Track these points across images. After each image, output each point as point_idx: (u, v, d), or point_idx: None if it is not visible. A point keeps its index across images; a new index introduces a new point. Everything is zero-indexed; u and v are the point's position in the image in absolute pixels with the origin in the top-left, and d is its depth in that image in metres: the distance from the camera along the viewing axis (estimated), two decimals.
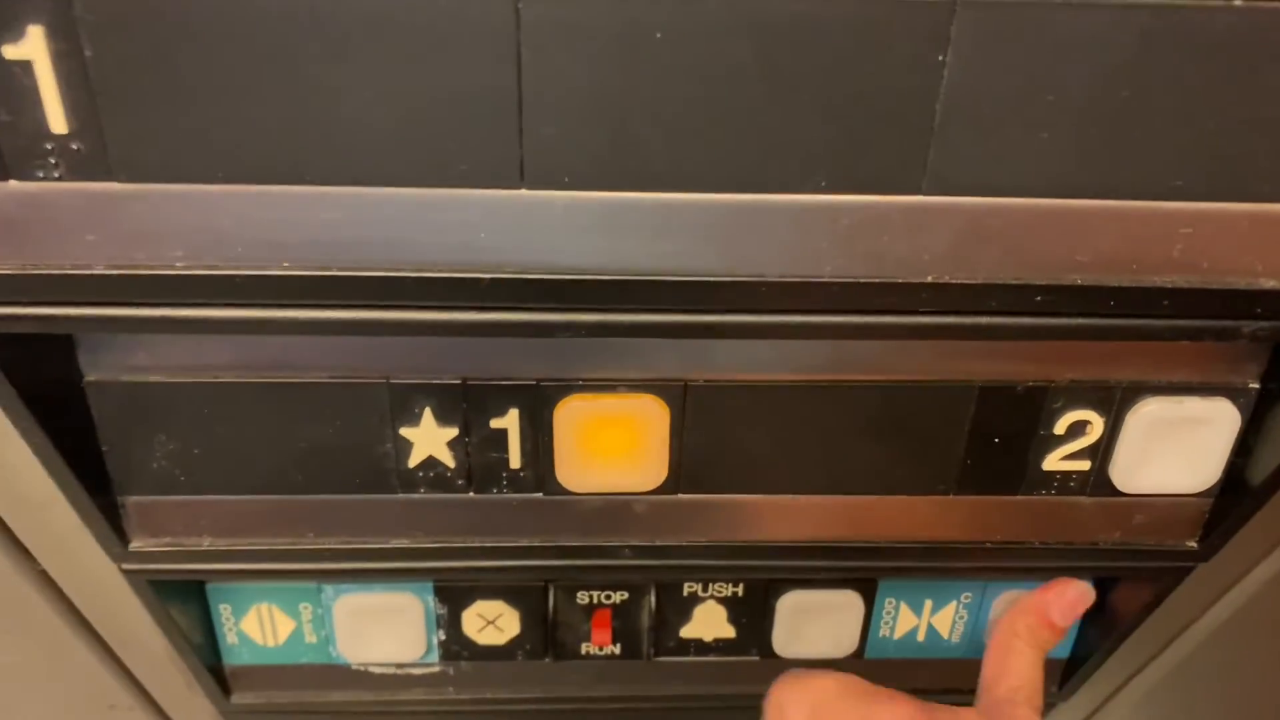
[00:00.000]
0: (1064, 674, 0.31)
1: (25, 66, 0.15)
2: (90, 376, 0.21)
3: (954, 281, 0.17)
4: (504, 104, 0.16)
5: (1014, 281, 0.17)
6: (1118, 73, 0.16)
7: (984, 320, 0.18)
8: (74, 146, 0.16)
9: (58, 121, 0.16)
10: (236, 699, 0.31)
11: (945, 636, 0.30)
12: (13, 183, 0.16)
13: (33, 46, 0.15)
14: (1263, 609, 0.27)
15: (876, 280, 0.17)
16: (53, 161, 0.16)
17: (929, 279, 0.17)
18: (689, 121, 0.16)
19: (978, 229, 0.17)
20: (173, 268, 0.17)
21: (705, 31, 0.15)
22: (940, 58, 0.15)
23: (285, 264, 0.17)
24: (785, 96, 0.16)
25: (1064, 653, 0.31)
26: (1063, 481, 0.23)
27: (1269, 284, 0.18)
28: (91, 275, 0.17)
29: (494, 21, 0.15)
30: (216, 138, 0.16)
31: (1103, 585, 0.29)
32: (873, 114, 0.16)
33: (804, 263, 0.17)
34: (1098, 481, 0.23)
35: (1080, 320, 0.18)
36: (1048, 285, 0.17)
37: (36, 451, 0.21)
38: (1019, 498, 0.24)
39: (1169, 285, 0.18)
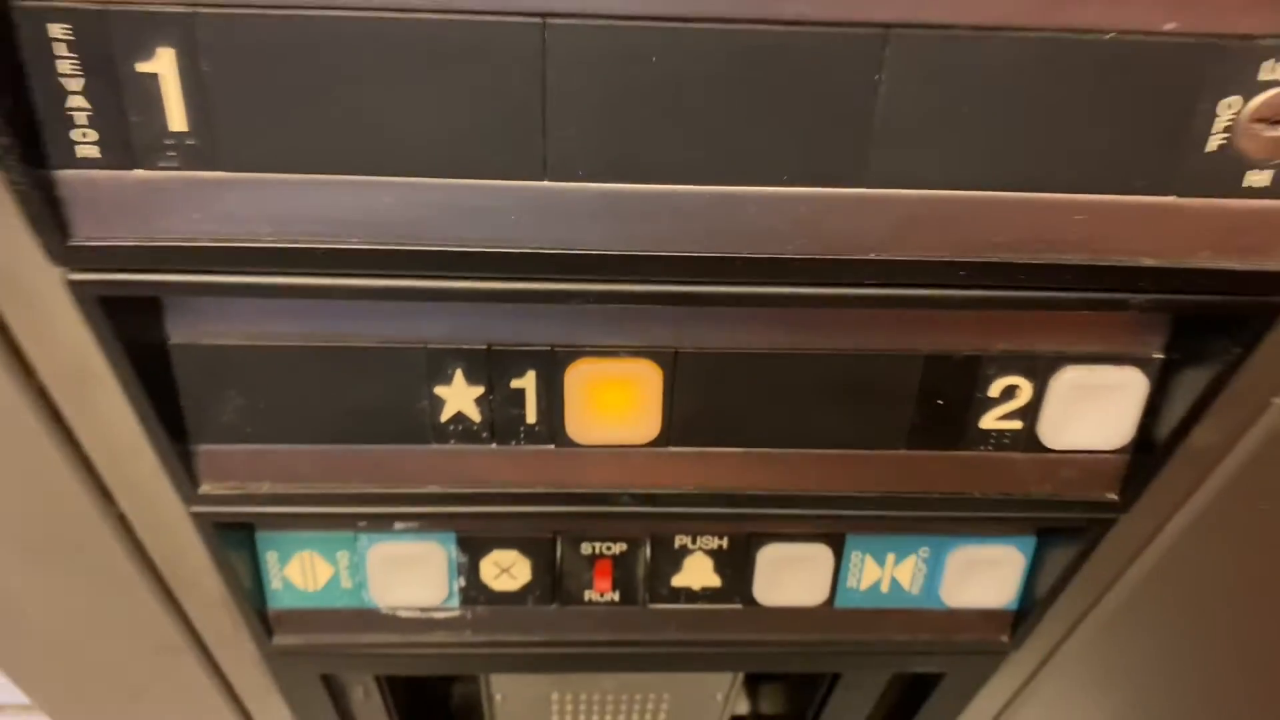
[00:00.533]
0: (1014, 625, 0.35)
1: (153, 79, 0.19)
2: (174, 340, 0.25)
3: (892, 259, 0.21)
4: (532, 113, 0.20)
5: (941, 259, 0.21)
6: (1019, 89, 0.20)
7: (916, 292, 0.22)
8: (188, 142, 0.20)
9: (177, 122, 0.20)
10: (278, 640, 0.34)
11: (906, 588, 0.34)
12: (138, 171, 0.20)
13: (161, 63, 0.19)
14: (1183, 556, 0.31)
15: (829, 257, 0.21)
16: (170, 154, 0.20)
17: (871, 256, 0.21)
18: (679, 127, 0.20)
19: (911, 216, 0.21)
20: (261, 241, 0.21)
21: (691, 57, 0.19)
22: (877, 77, 0.19)
23: (354, 239, 0.21)
24: (755, 109, 0.20)
25: (1013, 604, 0.35)
26: (998, 439, 0.27)
27: (1148, 262, 0.22)
28: (196, 247, 0.21)
29: (525, 49, 0.19)
30: (301, 137, 0.20)
31: (1042, 538, 0.33)
32: (824, 122, 0.20)
33: (771, 243, 0.21)
34: (1028, 439, 0.28)
35: (997, 292, 0.22)
36: (969, 262, 0.22)
37: (132, 403, 0.25)
38: (962, 453, 0.28)
39: (1068, 262, 0.22)
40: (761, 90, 0.20)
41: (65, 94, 0.19)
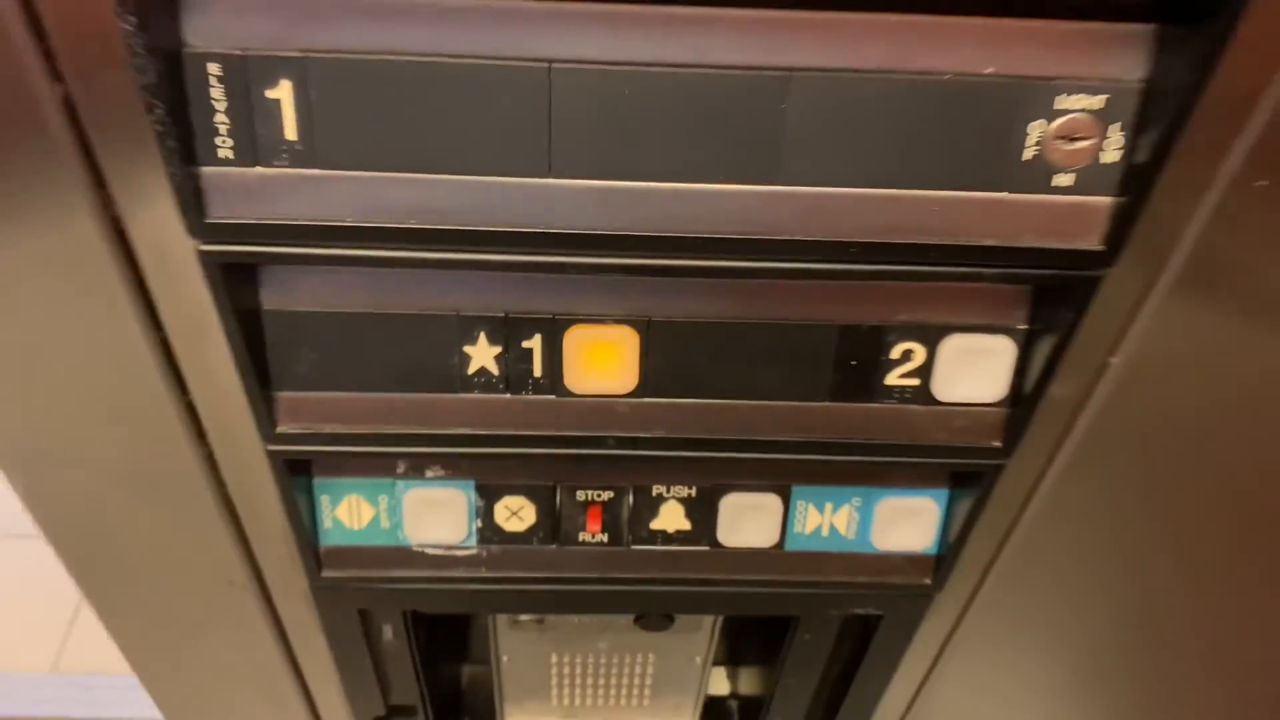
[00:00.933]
0: (935, 568, 0.43)
1: (276, 102, 0.28)
2: (266, 306, 0.33)
3: (801, 239, 0.29)
4: (541, 129, 0.28)
5: (837, 239, 0.29)
6: (889, 114, 0.28)
7: (821, 265, 0.30)
8: (296, 148, 0.28)
9: (290, 133, 0.28)
10: (327, 572, 0.42)
11: (843, 533, 0.41)
12: (258, 168, 0.29)
13: (282, 91, 0.28)
14: (1065, 499, 0.38)
15: (756, 237, 0.29)
16: (283, 156, 0.28)
17: (786, 237, 0.29)
18: (647, 141, 0.28)
19: (814, 206, 0.29)
20: (344, 221, 0.29)
21: (653, 91, 0.27)
22: (783, 106, 0.28)
23: (411, 221, 0.29)
24: (701, 127, 0.28)
25: (932, 549, 0.42)
26: (900, 393, 0.35)
27: (989, 242, 0.30)
28: (296, 225, 0.29)
29: (537, 84, 0.27)
30: (375, 145, 0.28)
31: (952, 490, 0.40)
32: (750, 137, 0.28)
33: (716, 225, 0.30)
34: (924, 394, 0.35)
35: (880, 266, 0.30)
36: (858, 242, 0.30)
37: (233, 355, 0.33)
38: (872, 405, 0.35)
39: (931, 242, 0.30)
40: (705, 114, 0.28)
41: (214, 112, 0.27)
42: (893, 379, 0.35)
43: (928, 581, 0.42)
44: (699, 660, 0.55)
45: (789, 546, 0.42)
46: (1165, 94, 0.27)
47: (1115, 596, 0.44)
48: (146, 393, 0.35)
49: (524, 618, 0.52)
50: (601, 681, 0.57)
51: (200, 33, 0.27)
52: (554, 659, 0.55)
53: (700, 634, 0.53)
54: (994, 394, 0.35)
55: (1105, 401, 0.35)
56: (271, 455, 0.37)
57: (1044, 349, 0.34)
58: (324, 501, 0.40)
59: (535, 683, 0.56)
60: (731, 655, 0.66)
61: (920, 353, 0.34)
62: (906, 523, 0.41)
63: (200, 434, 0.36)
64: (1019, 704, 0.51)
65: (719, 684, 0.65)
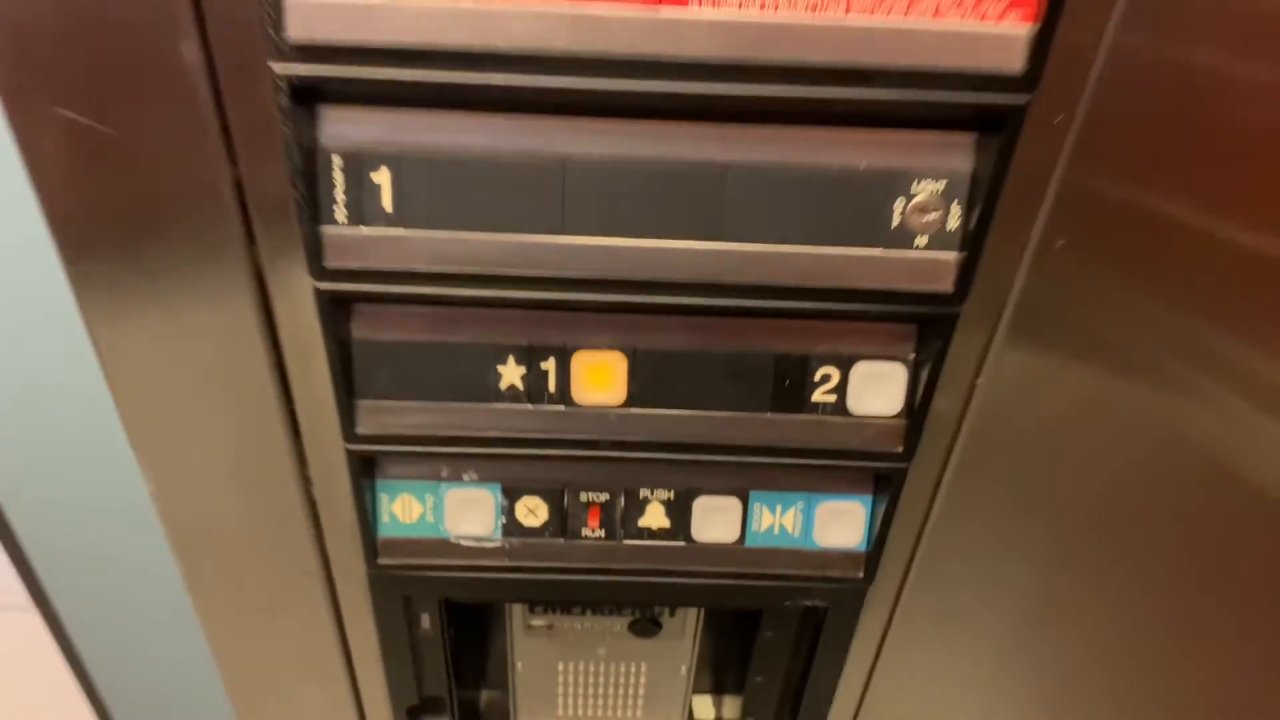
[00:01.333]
0: (865, 564, 0.53)
1: (377, 184, 0.41)
2: (355, 334, 0.46)
3: (738, 283, 0.42)
4: (557, 198, 0.41)
5: (762, 283, 0.42)
6: (797, 191, 0.41)
7: (753, 303, 0.42)
8: (389, 212, 0.41)
9: (387, 204, 0.41)
10: (382, 560, 0.53)
11: (790, 532, 0.52)
12: (362, 227, 0.41)
13: (382, 175, 0.41)
14: (960, 500, 0.50)
15: (705, 282, 0.42)
16: (380, 219, 0.41)
17: (726, 280, 0.42)
18: (632, 208, 0.41)
19: (748, 257, 0.42)
20: (416, 268, 0.42)
21: (632, 175, 0.40)
22: (722, 187, 0.40)
23: (471, 267, 0.42)
24: (668, 199, 0.41)
25: (862, 546, 0.53)
26: (822, 407, 0.47)
27: (871, 285, 0.42)
28: (388, 271, 0.42)
29: (555, 171, 0.40)
30: (443, 210, 0.41)
31: (875, 495, 0.51)
32: (700, 208, 0.41)
33: (678, 271, 0.42)
34: (842, 408, 0.47)
35: (795, 304, 0.42)
36: (778, 286, 0.42)
37: (330, 371, 0.45)
38: (802, 416, 0.47)
39: (828, 286, 0.42)
40: (669, 191, 0.41)
41: (335, 188, 0.41)
42: (817, 396, 0.47)
43: (860, 575, 0.53)
44: (684, 670, 0.65)
45: (748, 543, 0.52)
46: (984, 180, 0.40)
47: (1019, 590, 0.54)
48: (260, 398, 0.47)
49: (536, 623, 0.62)
50: (601, 690, 0.66)
51: (330, 136, 0.40)
52: (560, 666, 0.65)
53: (683, 643, 0.63)
54: (893, 409, 0.47)
55: (979, 415, 0.46)
56: (350, 454, 0.48)
57: (926, 373, 0.45)
58: (382, 499, 0.52)
59: (544, 690, 0.66)
60: (716, 685, 0.75)
61: (836, 375, 0.46)
62: (841, 522, 0.52)
63: (296, 434, 0.48)
64: (953, 699, 0.60)
65: (704, 710, 0.74)
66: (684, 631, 0.62)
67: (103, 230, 0.41)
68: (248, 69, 0.37)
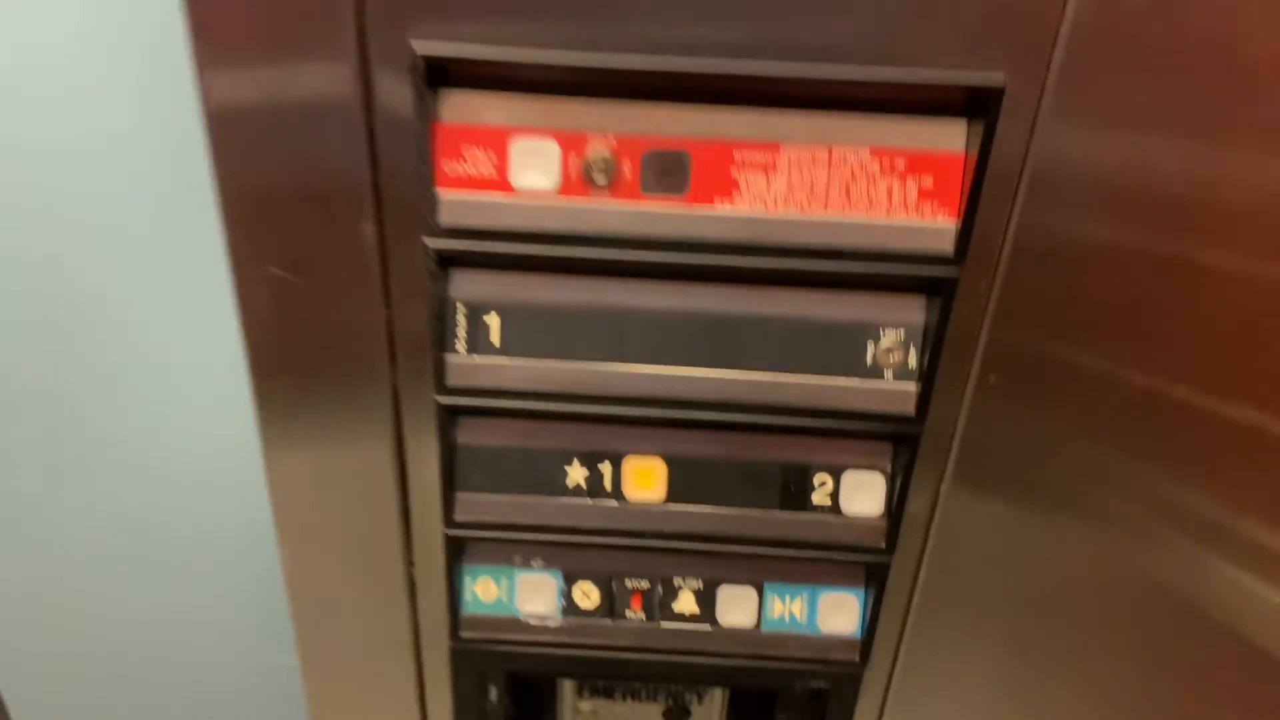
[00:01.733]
0: (861, 649, 0.64)
1: (488, 326, 0.56)
2: (459, 440, 0.60)
3: (751, 402, 0.56)
4: (616, 337, 0.56)
5: (769, 403, 0.56)
6: (795, 335, 0.55)
7: (763, 419, 0.56)
8: (496, 345, 0.56)
9: (495, 339, 0.56)
10: (464, 634, 0.65)
11: (799, 619, 0.64)
12: (475, 355, 0.56)
13: (492, 321, 0.56)
14: (936, 587, 0.61)
15: (724, 400, 0.56)
16: (494, 349, 0.56)
17: (743, 401, 0.56)
18: (676, 344, 0.56)
19: (757, 382, 0.56)
20: (513, 387, 0.57)
21: (677, 322, 0.55)
22: (738, 330, 0.55)
23: (553, 388, 0.56)
24: (698, 338, 0.56)
25: (858, 633, 0.64)
26: (820, 508, 0.60)
27: (850, 407, 0.56)
28: (492, 389, 0.57)
29: (616, 318, 0.56)
30: (535, 345, 0.56)
31: (866, 586, 0.63)
32: (722, 344, 0.55)
33: (709, 393, 0.56)
34: (836, 509, 0.60)
35: (793, 420, 0.56)
36: (779, 406, 0.56)
37: (441, 466, 0.59)
38: (804, 515, 0.60)
39: (817, 407, 0.56)
40: (700, 332, 0.55)
41: (458, 326, 0.56)
42: (816, 498, 0.60)
43: (856, 659, 0.64)
44: None
45: (764, 628, 0.64)
46: (932, 329, 0.54)
47: (991, 675, 0.65)
48: (384, 489, 0.61)
49: (583, 707, 0.73)
50: None
51: (458, 290, 0.55)
52: None
53: None
54: (877, 510, 0.60)
55: (943, 519, 0.59)
56: (448, 538, 0.62)
57: (899, 481, 0.58)
58: (468, 580, 0.65)
59: None
60: None
61: (830, 481, 0.59)
62: (839, 611, 0.63)
63: (407, 521, 0.62)
64: None
65: None
66: (710, 718, 0.73)
67: (287, 353, 0.57)
68: (406, 241, 0.53)
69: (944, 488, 0.58)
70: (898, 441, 0.58)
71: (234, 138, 0.50)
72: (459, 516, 0.61)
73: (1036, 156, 0.48)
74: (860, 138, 0.51)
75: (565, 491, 0.60)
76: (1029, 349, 0.54)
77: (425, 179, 0.51)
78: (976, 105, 0.48)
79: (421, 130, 0.49)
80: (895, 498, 0.59)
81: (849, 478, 0.59)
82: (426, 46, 0.47)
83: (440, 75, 0.49)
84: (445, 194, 0.52)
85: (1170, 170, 0.48)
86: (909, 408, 0.56)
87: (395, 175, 0.51)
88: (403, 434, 0.59)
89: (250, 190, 0.52)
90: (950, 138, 0.50)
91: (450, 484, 0.60)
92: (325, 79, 0.48)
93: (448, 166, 0.52)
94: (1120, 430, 0.56)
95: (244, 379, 0.58)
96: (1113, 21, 0.45)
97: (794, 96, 0.50)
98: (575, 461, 0.60)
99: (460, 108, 0.51)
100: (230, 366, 0.60)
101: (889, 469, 0.59)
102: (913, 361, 0.55)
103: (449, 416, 0.58)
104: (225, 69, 0.48)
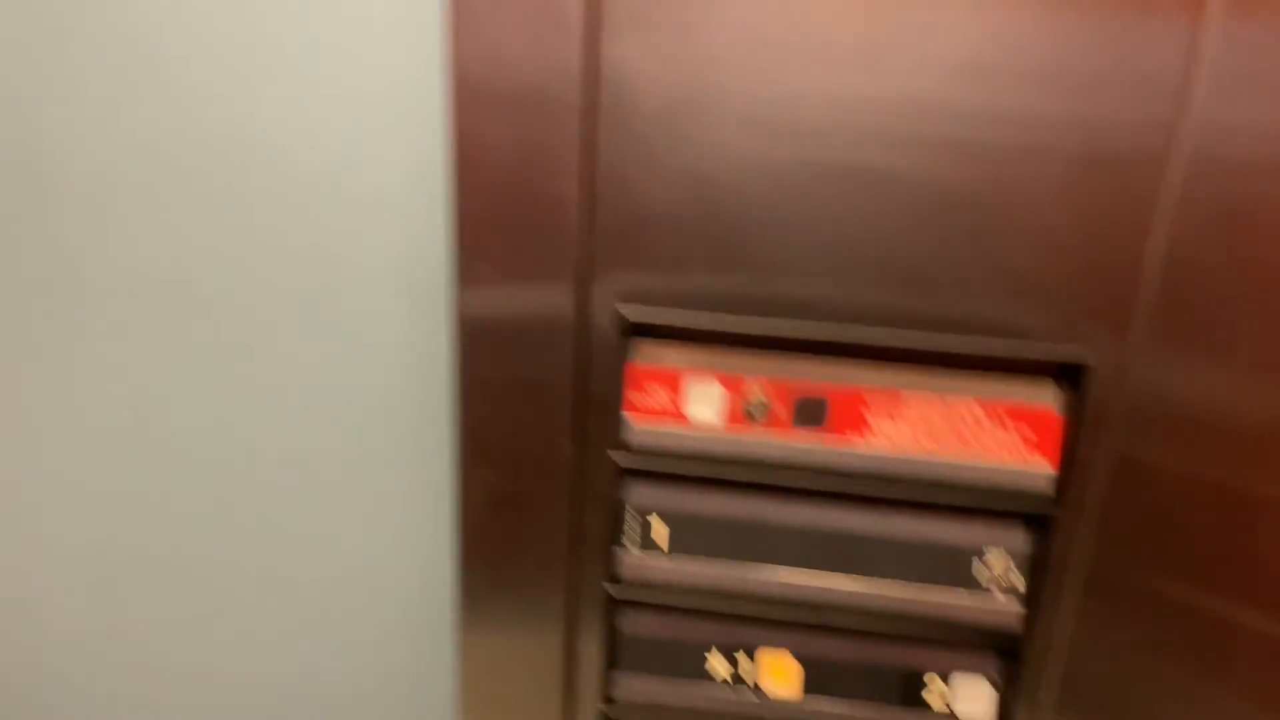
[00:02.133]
0: None
1: (655, 530, 0.68)
2: (622, 629, 0.71)
3: (874, 610, 0.65)
4: (763, 544, 0.67)
5: (888, 610, 0.65)
6: (908, 551, 0.65)
7: (882, 629, 0.65)
8: (661, 547, 0.68)
9: (661, 542, 0.68)
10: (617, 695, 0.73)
11: None
12: (642, 551, 0.68)
13: (658, 525, 0.68)
14: None
15: (854, 608, 0.66)
16: (655, 549, 0.68)
17: (867, 608, 0.65)
18: (811, 554, 0.66)
19: (873, 591, 0.66)
20: (672, 582, 0.68)
21: (812, 535, 0.66)
22: (863, 548, 0.65)
23: (706, 584, 0.67)
24: (830, 551, 0.66)
25: None
26: (937, 711, 0.67)
27: (967, 619, 0.64)
28: (665, 583, 0.68)
29: (761, 530, 0.67)
30: (692, 547, 0.67)
31: None
32: (851, 559, 0.66)
33: (837, 599, 0.66)
34: (950, 714, 0.67)
35: (910, 628, 0.65)
36: (899, 614, 0.65)
37: (601, 652, 0.70)
38: (919, 712, 0.68)
39: (934, 616, 0.65)
40: (832, 546, 0.66)
41: (629, 528, 0.68)
42: (931, 699, 0.68)
43: None
44: None
45: None
46: (1036, 555, 0.63)
47: None
48: (553, 670, 0.71)
49: None
50: None
51: (633, 498, 0.68)
52: None
53: None
54: (986, 714, 0.67)
55: None
56: (602, 714, 0.71)
57: (1004, 690, 0.66)
58: None
59: None
60: None
61: (941, 686, 0.67)
62: None
63: (571, 695, 0.72)
64: None
65: None
66: None
67: (490, 544, 0.69)
68: (596, 457, 0.66)
69: (1044, 697, 0.66)
70: (1003, 655, 0.66)
71: (480, 351, 0.64)
72: (615, 694, 0.71)
73: (1125, 408, 0.59)
74: (969, 390, 0.62)
75: (709, 679, 0.70)
76: (1127, 578, 0.63)
77: (616, 405, 0.65)
78: (1068, 374, 0.60)
79: (618, 369, 0.63)
80: (1001, 706, 0.66)
81: (959, 682, 0.67)
82: (630, 310, 0.61)
83: (635, 328, 0.63)
84: (631, 418, 0.65)
85: (1235, 412, 0.58)
86: (1014, 624, 0.64)
87: (591, 403, 0.64)
88: (578, 622, 0.70)
89: (482, 410, 0.67)
90: (1048, 395, 0.61)
91: (610, 664, 0.70)
92: (546, 350, 0.63)
93: (634, 397, 0.65)
94: (1227, 673, 0.63)
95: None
96: (1184, 308, 0.56)
97: (914, 354, 0.62)
98: (718, 653, 0.69)
99: (647, 353, 0.65)
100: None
101: (995, 677, 0.67)
102: (1016, 581, 0.64)
103: (614, 608, 0.69)
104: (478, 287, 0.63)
